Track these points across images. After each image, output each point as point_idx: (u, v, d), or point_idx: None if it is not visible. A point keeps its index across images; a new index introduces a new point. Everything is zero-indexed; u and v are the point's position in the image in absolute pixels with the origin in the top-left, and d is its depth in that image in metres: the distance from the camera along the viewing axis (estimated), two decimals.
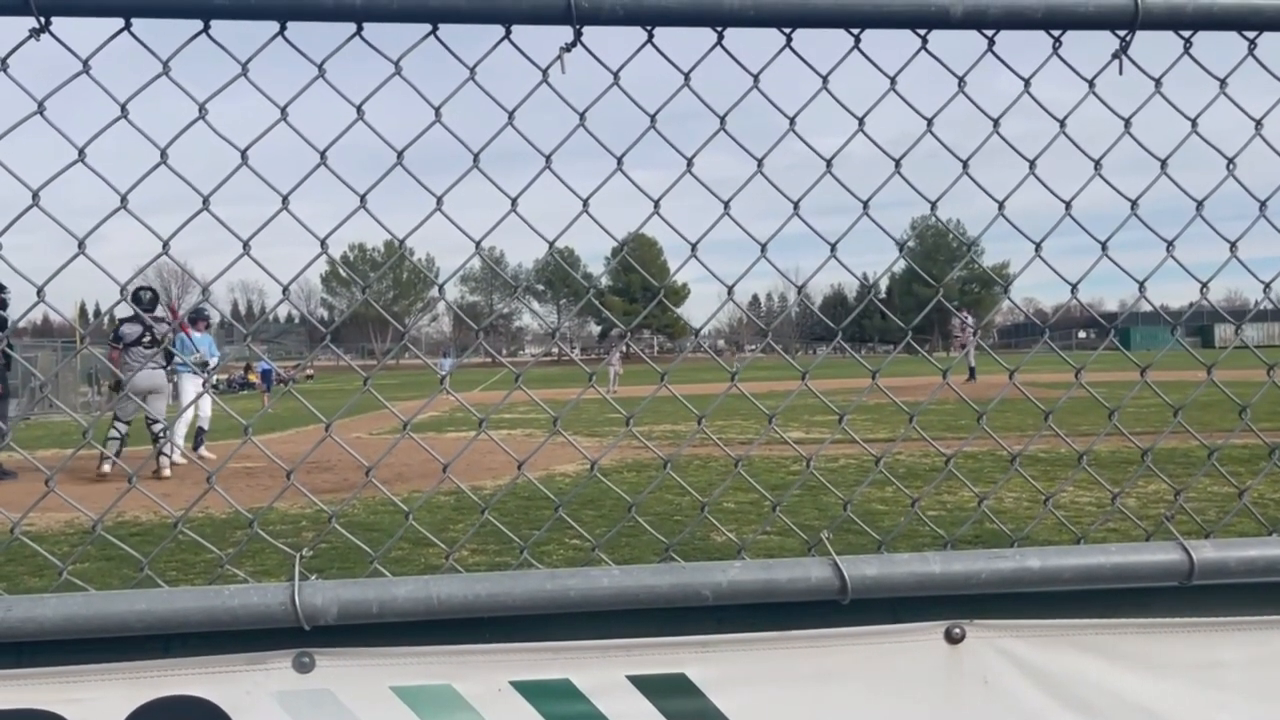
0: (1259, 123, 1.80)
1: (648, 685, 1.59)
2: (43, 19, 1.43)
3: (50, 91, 1.50)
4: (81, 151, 1.52)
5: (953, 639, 1.65)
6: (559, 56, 1.58)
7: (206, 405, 15.42)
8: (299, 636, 1.52)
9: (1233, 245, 1.85)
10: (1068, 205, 1.81)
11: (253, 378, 46.20)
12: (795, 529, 2.11)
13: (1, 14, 1.43)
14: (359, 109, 1.60)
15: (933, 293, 1.82)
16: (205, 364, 14.70)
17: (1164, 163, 1.81)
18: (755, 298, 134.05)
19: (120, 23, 1.49)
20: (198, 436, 15.43)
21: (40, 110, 1.50)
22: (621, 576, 1.56)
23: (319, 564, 7.22)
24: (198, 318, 15.20)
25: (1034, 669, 1.65)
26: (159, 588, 1.50)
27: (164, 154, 1.55)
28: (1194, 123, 1.82)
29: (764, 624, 1.63)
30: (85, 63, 1.50)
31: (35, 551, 1.97)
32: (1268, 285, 1.81)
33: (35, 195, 1.48)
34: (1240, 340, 1.77)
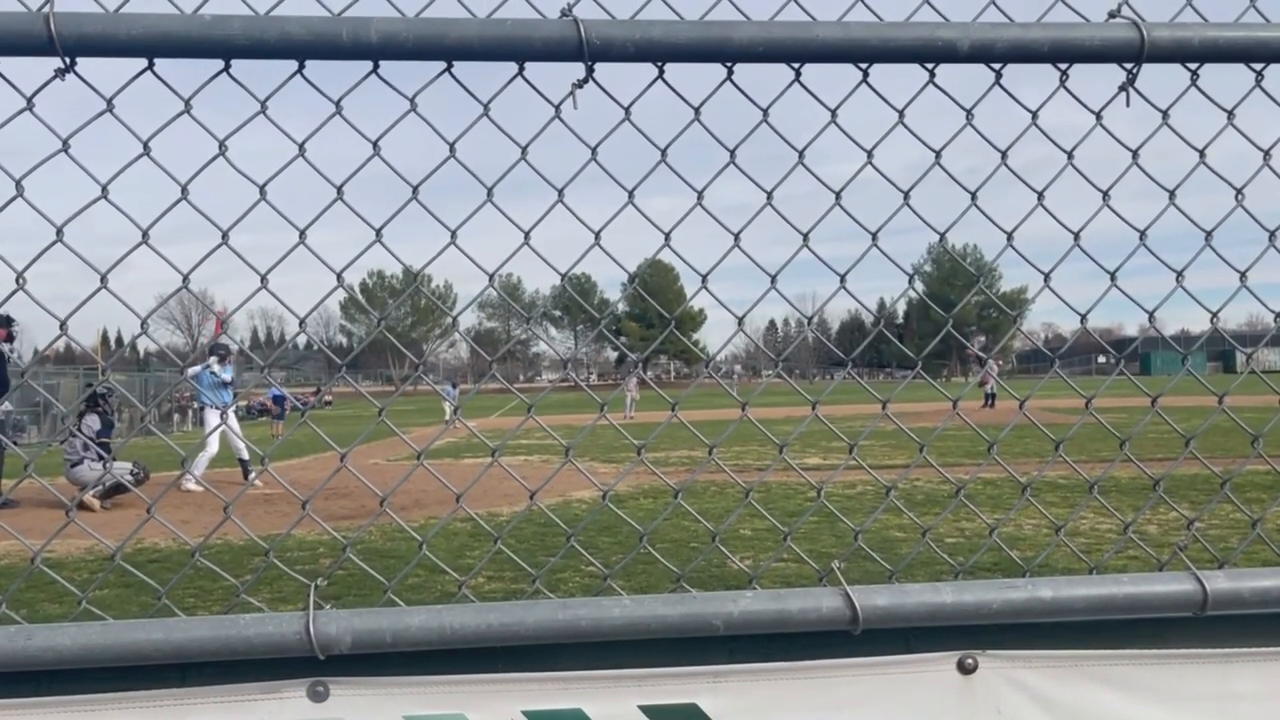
0: (1266, 153, 1.80)
1: (660, 715, 1.59)
2: (68, 59, 1.47)
3: (74, 130, 1.54)
4: (105, 188, 1.55)
5: (965, 669, 1.65)
6: (571, 93, 1.61)
7: (236, 437, 15.46)
8: (313, 666, 1.53)
9: (1242, 275, 1.85)
10: (1076, 236, 1.82)
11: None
12: (809, 558, 2.11)
13: (29, 54, 1.46)
14: (375, 145, 1.63)
15: (948, 318, 1.82)
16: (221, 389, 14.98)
17: (1172, 194, 1.82)
18: (772, 323, 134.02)
19: (143, 62, 1.52)
20: (243, 467, 15.59)
21: (65, 148, 1.53)
22: (633, 606, 1.56)
23: (336, 590, 7.24)
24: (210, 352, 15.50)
25: (1047, 700, 1.65)
26: (176, 617, 1.52)
27: (184, 190, 1.58)
28: (1202, 154, 1.83)
29: (776, 654, 1.63)
30: (109, 102, 1.53)
31: (55, 579, 1.99)
32: (1279, 315, 1.81)
33: (59, 231, 1.52)
34: (1251, 367, 1.77)
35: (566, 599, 1.57)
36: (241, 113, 1.62)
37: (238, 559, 8.98)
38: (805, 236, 1.77)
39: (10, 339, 13.06)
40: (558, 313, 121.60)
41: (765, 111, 1.73)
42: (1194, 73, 1.75)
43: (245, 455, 15.66)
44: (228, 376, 15.74)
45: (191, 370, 15.30)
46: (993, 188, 1.83)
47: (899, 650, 1.65)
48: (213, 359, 15.62)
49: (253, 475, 15.06)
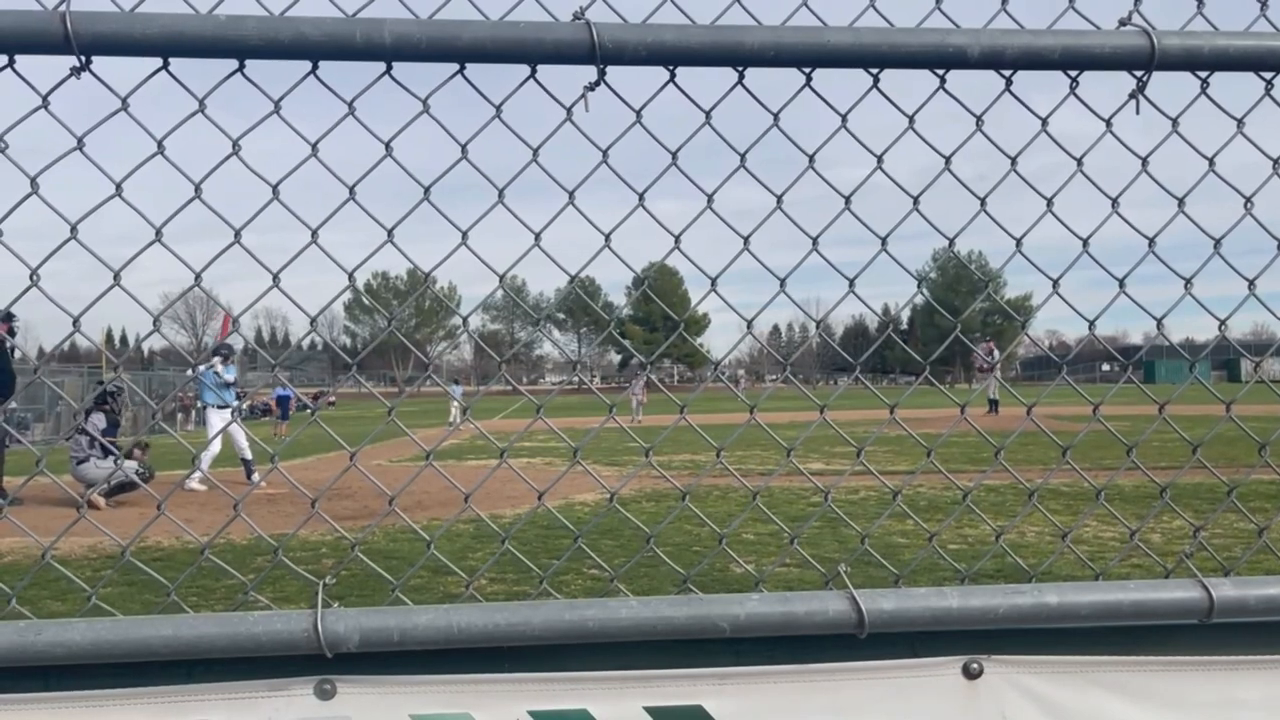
0: (1276, 162, 1.81)
1: (665, 716, 1.60)
2: (83, 58, 1.48)
3: (90, 129, 1.54)
4: (119, 186, 1.56)
5: (971, 674, 1.65)
6: (583, 95, 1.61)
7: (240, 436, 15.45)
8: (321, 664, 1.53)
9: (1251, 283, 1.85)
10: (1085, 242, 1.82)
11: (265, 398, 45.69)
12: (814, 562, 2.11)
13: (45, 53, 1.47)
14: (387, 145, 1.64)
15: (954, 324, 1.83)
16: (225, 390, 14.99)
17: (1181, 201, 1.82)
18: (776, 328, 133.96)
19: (158, 61, 1.53)
20: (246, 467, 15.56)
21: (80, 146, 1.54)
22: (639, 608, 1.57)
23: (338, 591, 7.24)
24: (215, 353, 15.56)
25: (1052, 705, 1.65)
26: (184, 613, 1.52)
27: (198, 189, 1.59)
28: (1211, 162, 1.83)
29: (781, 657, 1.63)
30: (124, 100, 1.54)
31: (58, 576, 1.99)
32: None
33: (74, 229, 1.52)
34: (1259, 376, 1.77)
35: (573, 600, 1.57)
36: (253, 113, 1.63)
37: (241, 558, 8.99)
38: (815, 241, 1.77)
39: (11, 334, 13.11)
40: (561, 315, 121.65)
41: (776, 116, 1.74)
42: (1204, 81, 1.76)
43: (249, 455, 15.67)
44: (230, 377, 15.76)
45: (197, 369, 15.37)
46: (1000, 194, 1.83)
47: (904, 654, 1.66)
48: (216, 359, 15.66)
49: (256, 476, 15.07)
